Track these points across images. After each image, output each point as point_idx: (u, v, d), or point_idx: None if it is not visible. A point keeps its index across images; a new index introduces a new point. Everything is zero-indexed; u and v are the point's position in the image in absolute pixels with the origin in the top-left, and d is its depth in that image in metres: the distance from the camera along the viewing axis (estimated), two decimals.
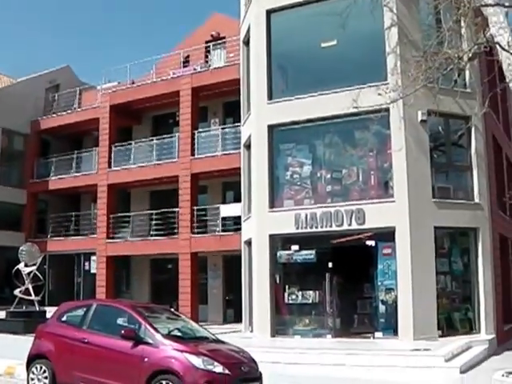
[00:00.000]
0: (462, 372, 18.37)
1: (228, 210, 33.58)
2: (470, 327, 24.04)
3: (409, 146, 23.04)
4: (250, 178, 27.33)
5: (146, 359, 12.94)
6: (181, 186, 34.90)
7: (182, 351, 12.88)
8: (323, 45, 25.25)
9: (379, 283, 23.59)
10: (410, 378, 17.74)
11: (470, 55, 19.69)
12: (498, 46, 17.56)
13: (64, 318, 15.27)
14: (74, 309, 15.74)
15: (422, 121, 23.31)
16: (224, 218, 33.88)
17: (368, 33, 24.47)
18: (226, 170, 32.93)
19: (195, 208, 34.47)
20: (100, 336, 13.95)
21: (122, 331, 13.48)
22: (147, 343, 13.17)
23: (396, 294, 22.95)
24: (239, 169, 29.35)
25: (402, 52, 23.02)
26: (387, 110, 22.28)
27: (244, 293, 27.92)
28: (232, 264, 32.89)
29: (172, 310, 17.48)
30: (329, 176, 24.90)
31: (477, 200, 24.29)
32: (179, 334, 14.42)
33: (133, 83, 38.85)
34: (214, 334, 15.37)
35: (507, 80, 17.67)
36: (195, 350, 13.02)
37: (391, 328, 23.12)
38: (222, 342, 14.91)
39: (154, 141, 37.35)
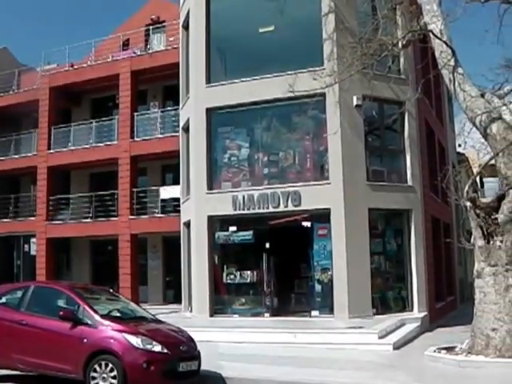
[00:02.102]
0: (395, 348, 18.72)
1: (167, 192, 33.39)
2: (404, 305, 24.42)
3: (344, 130, 23.22)
4: (189, 160, 27.26)
5: (84, 340, 12.86)
6: (120, 169, 34.56)
7: (120, 331, 12.85)
8: (261, 30, 25.23)
9: (315, 263, 23.82)
10: (345, 355, 17.95)
11: (404, 42, 19.93)
12: (431, 34, 17.80)
13: (2, 301, 14.90)
14: (11, 291, 15.36)
15: (356, 105, 23.52)
16: (163, 200, 33.65)
17: (306, 19, 24.52)
18: (165, 152, 32.67)
19: (135, 190, 34.15)
20: (38, 318, 13.73)
21: (60, 312, 13.34)
22: (86, 324, 13.08)
23: (331, 273, 23.19)
24: (178, 151, 29.25)
25: (339, 38, 23.15)
26: (323, 94, 22.40)
27: (183, 273, 27.88)
28: (172, 245, 32.86)
29: (111, 291, 17.34)
30: (266, 159, 24.96)
31: (410, 183, 24.63)
32: (118, 314, 14.35)
33: (72, 66, 38.24)
34: (153, 315, 15.36)
35: (439, 67, 17.90)
36: (134, 330, 13.00)
37: (327, 307, 23.40)
38: (162, 322, 14.93)
39: (94, 123, 36.81)
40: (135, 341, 12.68)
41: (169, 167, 35.11)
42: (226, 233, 25.30)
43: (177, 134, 30.61)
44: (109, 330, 12.92)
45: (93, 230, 35.37)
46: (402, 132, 25.08)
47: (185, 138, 28.56)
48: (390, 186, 24.30)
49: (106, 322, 13.11)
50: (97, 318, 13.19)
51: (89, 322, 13.11)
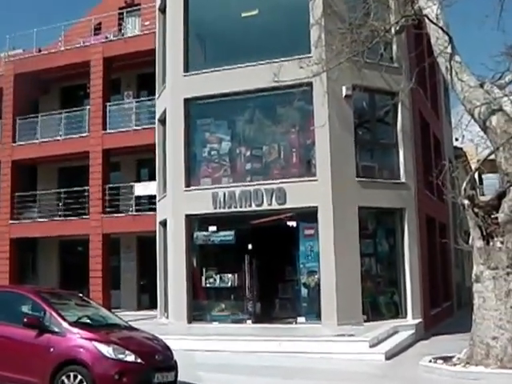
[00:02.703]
0: (387, 358, 18.64)
1: (142, 188, 33.32)
2: (396, 311, 24.42)
3: (332, 123, 23.15)
4: (166, 154, 27.17)
5: (51, 349, 12.67)
6: (91, 163, 34.41)
7: (90, 340, 12.67)
8: (244, 14, 25.17)
9: (301, 266, 23.79)
10: (334, 365, 17.91)
11: (397, 28, 19.89)
12: (426, 19, 17.76)
13: None
14: None
15: (346, 96, 23.44)
16: (138, 198, 33.60)
17: (291, 3, 24.53)
18: (140, 145, 32.56)
19: (107, 186, 34.05)
20: (0, 325, 13.59)
21: (25, 319, 13.12)
22: (53, 332, 12.88)
23: (319, 276, 23.15)
24: (154, 145, 29.14)
25: (327, 24, 23.05)
26: (310, 84, 22.36)
27: (159, 277, 27.80)
28: (147, 246, 32.74)
29: (81, 295, 17.18)
30: (248, 153, 24.88)
31: (403, 179, 24.62)
32: (88, 321, 14.17)
33: (39, 51, 38.05)
34: (126, 321, 15.23)
35: (435, 54, 17.87)
36: (105, 338, 12.84)
37: (314, 313, 23.35)
38: (135, 330, 14.79)
39: (63, 114, 36.63)
40: (106, 350, 12.51)
41: (144, 162, 35.04)
42: (205, 233, 25.22)
43: (153, 126, 30.54)
44: (78, 339, 12.73)
45: (61, 229, 35.15)
46: (394, 125, 25.07)
47: (161, 131, 28.44)
48: (382, 182, 24.26)
49: (75, 330, 12.92)
50: (65, 325, 13.00)
51: (56, 330, 12.92)
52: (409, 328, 22.67)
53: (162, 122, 28.05)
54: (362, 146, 24.50)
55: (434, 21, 17.37)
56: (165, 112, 27.15)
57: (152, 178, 31.34)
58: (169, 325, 25.14)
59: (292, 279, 24.78)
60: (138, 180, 35.17)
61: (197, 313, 25.00)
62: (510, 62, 17.57)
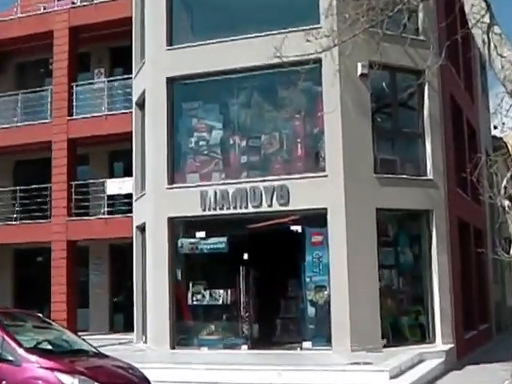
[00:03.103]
0: None
1: (116, 186, 33.29)
2: (423, 335, 24.50)
3: (345, 107, 23.15)
4: (144, 145, 27.19)
5: (3, 382, 12.61)
6: (55, 155, 34.35)
7: (52, 369, 12.58)
8: None
9: (307, 279, 23.83)
10: None
11: None
12: None
13: None
14: None
15: (361, 75, 23.47)
16: (111, 197, 33.58)
17: None
18: (113, 134, 32.58)
19: (73, 183, 34.01)
20: None
21: None
22: (6, 360, 12.76)
23: (329, 293, 23.21)
24: (131, 134, 29.18)
25: None
26: (319, 60, 22.29)
27: (136, 293, 27.86)
28: (121, 256, 32.83)
29: (40, 316, 17.18)
30: (244, 144, 24.94)
31: (430, 176, 24.66)
32: (49, 347, 14.13)
33: None
34: (96, 347, 15.24)
35: (470, 25, 17.83)
36: (69, 368, 12.78)
37: (323, 336, 23.42)
38: (106, 357, 14.73)
39: (20, 95, 36.59)
40: (71, 382, 12.43)
41: (118, 154, 35.13)
42: (192, 240, 25.26)
43: (129, 110, 30.58)
44: (36, 368, 12.64)
45: (17, 235, 35.02)
46: (420, 110, 25.13)
47: (139, 116, 28.53)
48: (405, 179, 24.30)
49: (33, 358, 12.84)
50: (20, 352, 12.92)
51: (9, 358, 12.82)
52: (437, 355, 22.70)
53: (141, 105, 28.11)
54: (380, 136, 24.54)
55: None
56: (144, 94, 27.18)
57: (128, 173, 31.38)
58: (147, 351, 25.20)
59: (296, 295, 24.85)
60: (111, 176, 35.19)
61: (181, 336, 25.09)
62: None
